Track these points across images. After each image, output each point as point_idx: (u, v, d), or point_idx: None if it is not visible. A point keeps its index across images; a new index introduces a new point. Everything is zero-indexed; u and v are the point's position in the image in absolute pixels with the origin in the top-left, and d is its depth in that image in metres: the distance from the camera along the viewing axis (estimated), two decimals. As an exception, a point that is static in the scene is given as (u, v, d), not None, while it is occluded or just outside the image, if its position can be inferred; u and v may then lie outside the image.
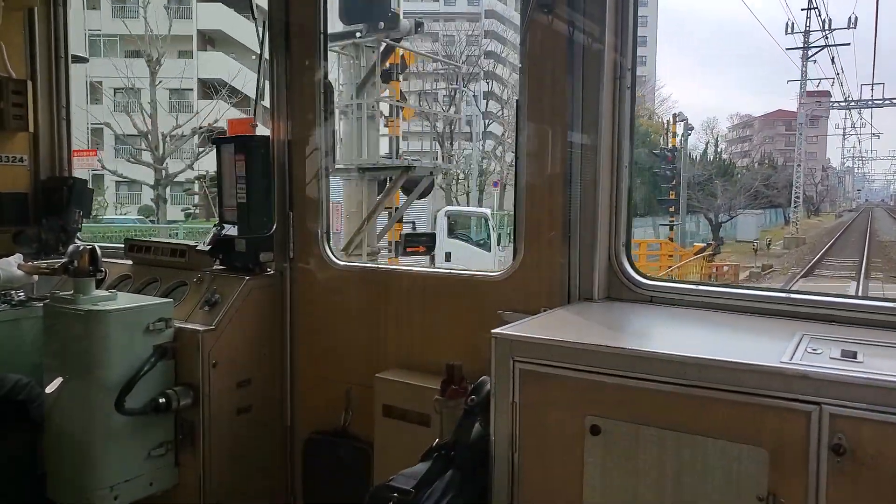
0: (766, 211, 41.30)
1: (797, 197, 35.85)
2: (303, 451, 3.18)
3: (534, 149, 2.53)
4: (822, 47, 35.13)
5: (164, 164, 25.12)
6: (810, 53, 35.68)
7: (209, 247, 3.16)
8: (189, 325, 2.88)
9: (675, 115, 26.83)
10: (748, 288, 2.43)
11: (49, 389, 2.75)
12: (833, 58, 35.42)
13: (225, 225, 3.19)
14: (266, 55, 3.15)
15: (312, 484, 3.17)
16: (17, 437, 2.96)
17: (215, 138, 3.28)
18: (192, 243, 3.28)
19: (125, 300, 2.81)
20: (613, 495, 1.84)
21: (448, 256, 14.13)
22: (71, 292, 2.74)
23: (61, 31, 3.91)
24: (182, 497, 2.91)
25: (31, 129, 3.78)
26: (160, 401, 2.74)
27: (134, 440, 2.74)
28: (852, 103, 39.10)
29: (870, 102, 37.59)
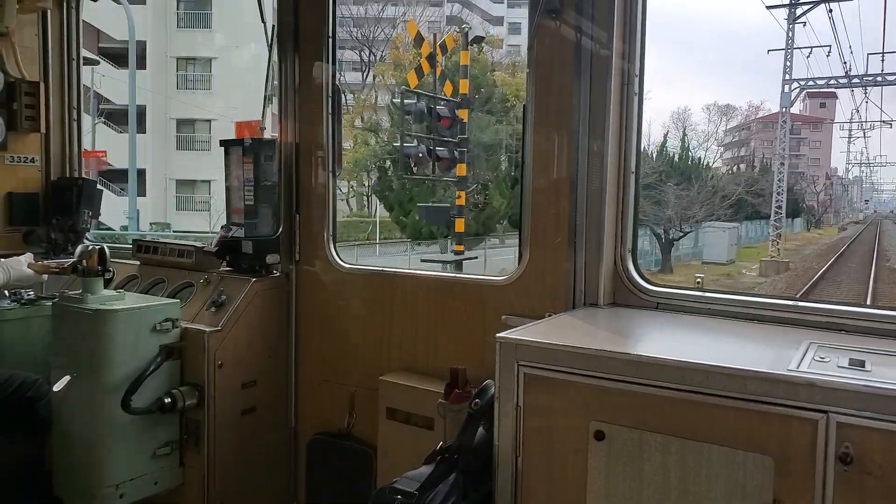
0: (753, 223, 32.66)
1: (779, 207, 26.11)
2: (306, 452, 3.18)
3: (540, 154, 2.53)
4: (816, 3, 25.45)
5: None
6: (798, 13, 26.49)
7: (216, 248, 3.18)
8: (195, 326, 2.89)
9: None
10: (755, 296, 2.42)
11: (57, 388, 2.77)
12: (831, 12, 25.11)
13: (232, 226, 3.21)
14: (275, 58, 3.17)
15: (316, 485, 3.17)
16: (25, 434, 2.98)
17: (223, 140, 3.30)
18: (199, 244, 3.30)
19: (133, 300, 2.83)
20: (617, 501, 1.83)
21: None
22: (79, 292, 2.76)
23: (73, 33, 3.96)
24: (186, 496, 2.91)
25: (43, 129, 3.82)
26: (166, 400, 2.76)
27: (139, 439, 2.75)
28: (855, 79, 26.90)
29: (879, 78, 26.12)
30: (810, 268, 22.84)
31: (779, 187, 26.62)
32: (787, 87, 26.96)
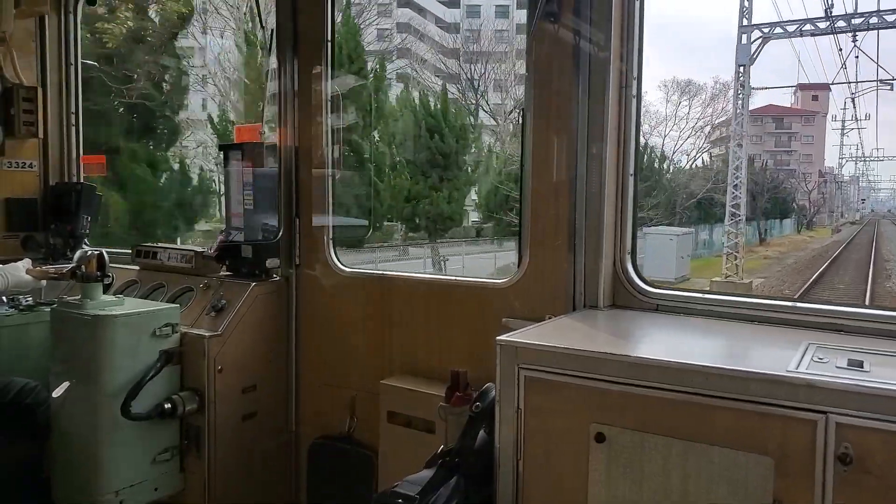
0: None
1: (735, 206, 18.84)
2: (308, 456, 3.18)
3: (539, 156, 2.54)
4: None
5: None
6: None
7: (216, 253, 3.18)
8: (195, 331, 2.89)
9: None
10: (754, 297, 2.43)
11: (56, 394, 2.76)
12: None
13: (231, 231, 3.22)
14: (274, 63, 3.18)
15: (317, 490, 3.17)
16: (24, 441, 2.97)
17: (222, 145, 3.30)
18: (199, 249, 3.30)
19: (132, 305, 2.83)
20: (618, 503, 1.83)
21: None
22: (78, 297, 2.76)
23: (71, 38, 3.96)
24: (187, 502, 2.91)
25: (41, 135, 3.82)
26: (166, 406, 2.75)
27: (139, 445, 2.75)
28: (840, 22, 18.07)
29: (874, 20, 17.60)
30: (778, 292, 17.05)
31: (735, 179, 18.89)
32: (744, 35, 18.72)
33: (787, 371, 1.69)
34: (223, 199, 2.75)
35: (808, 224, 40.77)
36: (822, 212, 45.11)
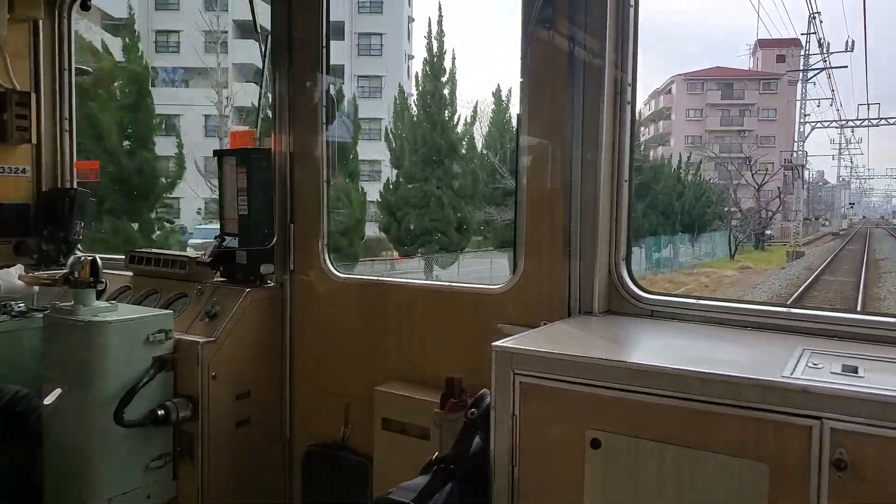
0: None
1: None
2: (302, 463, 3.16)
3: (534, 163, 2.55)
4: None
5: None
6: None
7: (210, 258, 3.17)
8: (189, 337, 2.87)
9: None
10: (749, 303, 2.44)
11: (48, 401, 2.74)
12: None
13: (226, 237, 3.20)
14: (268, 68, 3.17)
15: (311, 497, 3.15)
16: (15, 448, 2.94)
17: (217, 150, 3.30)
18: (193, 255, 3.29)
19: (125, 311, 2.81)
20: None
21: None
22: (71, 303, 2.74)
23: (65, 43, 3.95)
24: None
25: (34, 140, 3.80)
26: (159, 413, 2.73)
27: (132, 452, 2.73)
28: None
29: None
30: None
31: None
32: None
33: (782, 377, 1.69)
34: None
35: (758, 241, 25.81)
36: (789, 218, 29.57)
